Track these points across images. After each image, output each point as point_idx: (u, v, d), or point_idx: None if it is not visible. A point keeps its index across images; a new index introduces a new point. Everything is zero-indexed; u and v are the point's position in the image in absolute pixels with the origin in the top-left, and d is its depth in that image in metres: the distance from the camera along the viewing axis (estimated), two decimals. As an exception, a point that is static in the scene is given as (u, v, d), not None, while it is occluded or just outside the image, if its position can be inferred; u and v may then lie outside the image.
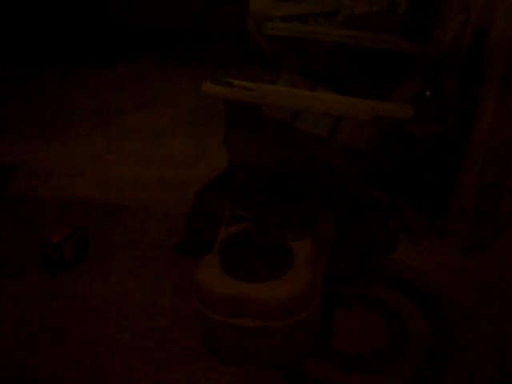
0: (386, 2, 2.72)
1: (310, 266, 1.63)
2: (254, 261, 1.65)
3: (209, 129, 2.91)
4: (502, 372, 1.63)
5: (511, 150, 1.84)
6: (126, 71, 3.73)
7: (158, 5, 4.10)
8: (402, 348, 1.70)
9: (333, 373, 1.63)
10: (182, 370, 1.65)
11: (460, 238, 2.04)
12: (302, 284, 1.58)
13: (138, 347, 1.72)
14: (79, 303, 1.88)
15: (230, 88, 1.72)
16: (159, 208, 2.33)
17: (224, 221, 1.77)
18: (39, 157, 2.75)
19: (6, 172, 2.61)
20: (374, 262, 1.99)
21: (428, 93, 1.92)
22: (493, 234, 2.00)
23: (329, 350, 1.70)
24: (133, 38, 4.05)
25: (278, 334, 1.59)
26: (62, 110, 3.23)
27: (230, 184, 1.89)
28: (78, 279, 1.98)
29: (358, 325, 1.80)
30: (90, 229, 2.19)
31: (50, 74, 3.67)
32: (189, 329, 1.75)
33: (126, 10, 4.12)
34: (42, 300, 1.90)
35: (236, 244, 1.68)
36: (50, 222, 2.25)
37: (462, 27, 1.84)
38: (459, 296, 1.89)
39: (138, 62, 3.87)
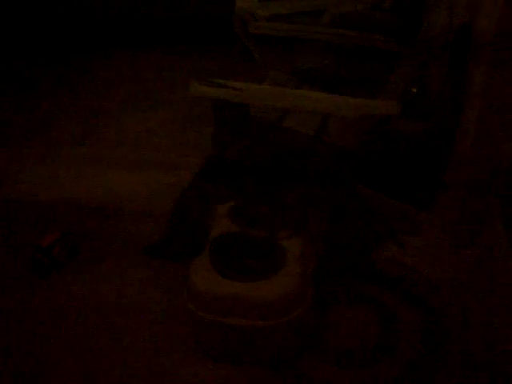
0: (372, 0, 2.73)
1: (300, 265, 1.64)
2: (245, 260, 1.65)
3: (198, 130, 2.91)
4: (494, 365, 1.64)
5: (497, 145, 1.85)
6: (115, 72, 3.71)
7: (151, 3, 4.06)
8: (394, 343, 1.71)
9: (326, 369, 1.64)
10: (176, 370, 1.66)
11: (448, 233, 2.05)
12: (293, 283, 1.59)
13: (131, 349, 1.72)
14: (70, 306, 1.88)
15: (217, 88, 1.72)
16: (150, 210, 2.32)
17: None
18: (27, 160, 2.74)
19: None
20: (364, 259, 2.00)
21: (414, 90, 1.94)
22: (481, 229, 2.01)
23: (322, 347, 1.70)
24: (118, 38, 4.02)
25: (269, 332, 1.59)
26: (49, 111, 3.21)
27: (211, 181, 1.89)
28: (68, 282, 1.97)
29: (351, 321, 1.80)
30: (80, 232, 2.18)
31: (38, 73, 3.65)
32: (182, 329, 1.75)
33: (112, 6, 4.06)
34: (32, 304, 1.89)
35: (227, 244, 1.69)
36: (40, 225, 2.24)
37: (447, 24, 1.85)
38: (450, 291, 1.90)
39: (128, 61, 3.85)
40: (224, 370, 1.65)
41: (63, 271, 2.01)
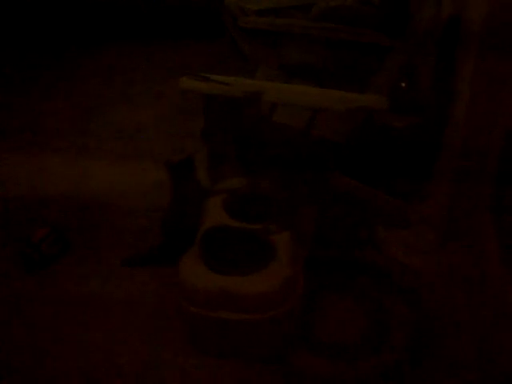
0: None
1: (290, 259, 1.64)
2: (235, 254, 1.66)
3: (188, 124, 2.91)
4: (482, 357, 1.65)
5: (487, 137, 1.86)
6: (100, 67, 3.70)
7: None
8: (384, 336, 1.72)
9: (316, 363, 1.64)
10: (168, 364, 1.66)
11: (437, 226, 2.07)
12: (283, 277, 1.59)
13: (123, 344, 1.72)
14: (61, 302, 1.88)
15: (207, 82, 1.73)
16: (143, 205, 2.32)
17: None
18: (17, 155, 2.73)
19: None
20: (353, 252, 2.01)
21: (403, 84, 1.94)
22: (469, 221, 2.02)
23: (312, 340, 1.71)
24: (105, 33, 4.00)
25: (260, 326, 1.60)
26: (40, 106, 3.20)
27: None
28: (59, 278, 1.97)
29: (341, 314, 1.81)
30: (71, 227, 2.18)
31: (28, 68, 3.63)
32: (174, 323, 1.75)
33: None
34: (22, 299, 1.89)
35: (217, 238, 1.69)
36: (30, 220, 2.23)
37: (436, 17, 1.86)
38: (438, 283, 1.91)
39: (119, 56, 3.84)
40: (215, 363, 1.65)
41: (54, 266, 2.01)
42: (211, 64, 3.47)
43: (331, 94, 1.65)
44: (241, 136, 1.80)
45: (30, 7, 3.94)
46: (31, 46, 3.84)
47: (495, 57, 1.70)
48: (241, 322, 1.59)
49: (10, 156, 2.72)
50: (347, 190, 1.99)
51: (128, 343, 1.72)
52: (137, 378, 1.63)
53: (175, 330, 1.74)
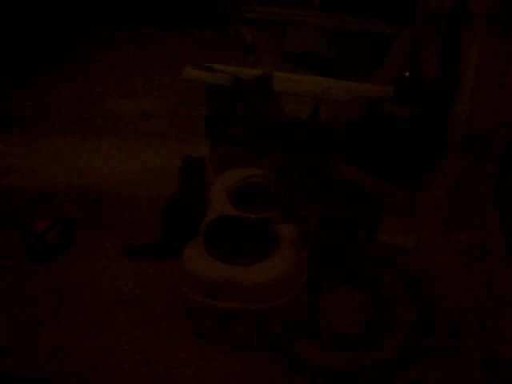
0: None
1: (294, 248, 1.64)
2: (239, 244, 1.65)
3: (191, 114, 2.90)
4: (486, 348, 1.66)
5: (491, 125, 1.85)
6: (101, 56, 3.68)
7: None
8: (387, 325, 1.72)
9: (320, 352, 1.65)
10: (172, 354, 1.66)
11: (441, 216, 2.06)
12: (287, 266, 1.59)
13: (127, 335, 1.72)
14: (65, 294, 1.87)
15: (210, 72, 1.72)
16: (146, 195, 2.31)
17: None
18: (16, 145, 2.72)
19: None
20: (357, 241, 2.01)
21: (407, 73, 1.94)
22: (473, 211, 2.02)
23: (316, 329, 1.71)
24: (107, 22, 3.97)
25: (264, 316, 1.60)
26: (36, 98, 3.19)
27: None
28: (63, 268, 1.97)
29: (344, 303, 1.81)
30: (74, 217, 2.17)
31: (18, 61, 3.61)
32: (178, 314, 1.75)
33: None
34: (27, 290, 1.89)
35: (221, 227, 1.69)
36: (32, 211, 2.23)
37: (440, 4, 1.85)
38: (442, 274, 1.91)
39: (114, 46, 3.82)
40: (219, 353, 1.66)
41: (57, 257, 2.01)
42: (214, 53, 3.46)
43: (335, 84, 1.65)
44: (245, 125, 1.80)
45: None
46: (31, 37, 3.83)
47: (501, 40, 1.69)
48: (245, 312, 1.59)
49: (12, 147, 2.72)
50: (350, 179, 1.99)
51: (132, 334, 1.72)
52: (141, 370, 1.64)
53: (179, 321, 1.74)
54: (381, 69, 1.94)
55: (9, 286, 1.91)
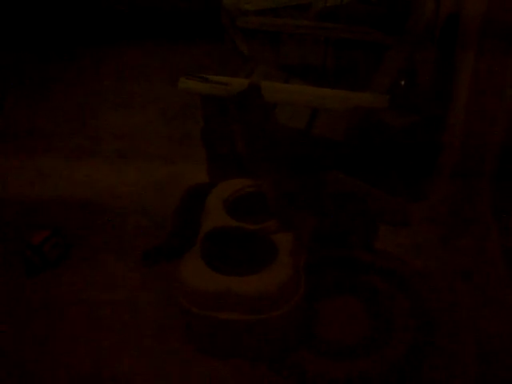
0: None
1: (292, 259, 1.64)
2: (236, 254, 1.65)
3: (186, 125, 2.91)
4: (484, 357, 1.65)
5: (487, 135, 1.86)
6: (100, 68, 3.70)
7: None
8: (386, 334, 1.71)
9: (319, 362, 1.64)
10: (170, 365, 1.65)
11: (438, 224, 2.07)
12: (285, 276, 1.59)
13: (124, 346, 1.72)
14: (62, 304, 1.87)
15: (205, 83, 1.72)
16: (142, 206, 2.32)
17: None
18: (13, 157, 2.72)
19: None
20: (355, 251, 2.01)
21: (402, 82, 1.94)
22: (470, 221, 2.02)
23: (314, 339, 1.71)
24: (105, 34, 3.99)
25: (262, 326, 1.59)
26: (36, 110, 3.20)
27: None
28: (61, 280, 1.97)
29: (342, 313, 1.81)
30: (72, 229, 2.17)
31: (18, 71, 3.62)
32: (175, 324, 1.75)
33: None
34: (23, 301, 1.88)
35: (218, 238, 1.69)
36: (28, 223, 2.23)
37: (435, 15, 1.86)
38: (440, 282, 1.91)
39: (112, 58, 3.84)
40: (217, 364, 1.65)
41: (55, 269, 2.00)
42: (210, 65, 3.47)
43: (331, 94, 1.65)
44: (241, 136, 1.80)
45: (30, 9, 3.94)
46: (29, 47, 3.84)
47: (494, 54, 1.70)
48: (243, 323, 1.58)
49: (9, 159, 2.72)
50: (347, 189, 1.99)
51: (129, 346, 1.72)
52: (138, 381, 1.63)
53: (176, 331, 1.73)
54: (376, 78, 1.94)
55: (6, 299, 1.90)
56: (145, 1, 4.06)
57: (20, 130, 2.98)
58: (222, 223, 1.74)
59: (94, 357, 1.69)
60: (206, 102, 1.86)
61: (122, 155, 2.72)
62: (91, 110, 3.17)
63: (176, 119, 3.02)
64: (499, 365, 1.61)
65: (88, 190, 2.45)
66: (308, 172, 1.79)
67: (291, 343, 1.68)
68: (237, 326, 1.59)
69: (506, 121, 1.82)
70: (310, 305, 1.77)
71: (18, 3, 3.92)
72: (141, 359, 1.67)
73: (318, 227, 1.88)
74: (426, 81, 1.95)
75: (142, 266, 2.00)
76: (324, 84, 1.88)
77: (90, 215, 2.28)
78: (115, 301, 1.87)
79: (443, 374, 1.62)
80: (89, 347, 1.72)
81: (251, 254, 1.64)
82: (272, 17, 3.18)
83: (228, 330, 1.61)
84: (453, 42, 1.81)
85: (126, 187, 2.46)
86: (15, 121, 3.08)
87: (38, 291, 1.93)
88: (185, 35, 3.86)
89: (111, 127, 2.99)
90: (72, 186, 2.48)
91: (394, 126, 1.95)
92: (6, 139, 2.89)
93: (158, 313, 1.82)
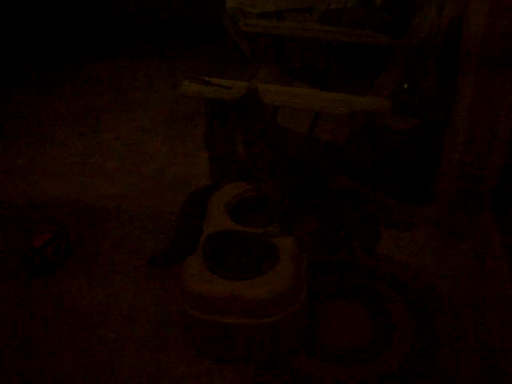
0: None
1: (294, 263, 1.63)
2: (238, 259, 1.65)
3: (188, 129, 2.91)
4: (487, 361, 1.65)
5: (488, 140, 1.85)
6: (103, 72, 3.71)
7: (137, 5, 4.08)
8: (388, 339, 1.71)
9: (320, 366, 1.64)
10: (172, 370, 1.65)
11: (440, 228, 2.06)
12: (287, 281, 1.58)
13: (126, 350, 1.71)
14: (63, 307, 1.87)
15: (208, 86, 1.72)
16: (143, 210, 2.32)
17: None
18: (17, 160, 2.73)
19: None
20: (357, 255, 2.00)
21: (405, 86, 1.94)
22: (473, 224, 2.02)
23: (316, 343, 1.70)
24: (109, 38, 4.02)
25: (264, 330, 1.59)
26: (37, 112, 3.20)
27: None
28: (61, 283, 1.97)
29: (344, 318, 1.81)
30: (72, 232, 2.17)
31: (23, 75, 3.63)
32: (176, 328, 1.74)
33: (102, 10, 4.08)
34: (24, 304, 1.88)
35: (220, 242, 1.68)
36: (32, 226, 2.23)
37: (438, 20, 1.86)
38: (442, 286, 1.90)
39: (115, 62, 3.85)
40: (219, 368, 1.65)
41: (56, 272, 2.00)
42: (212, 67, 3.48)
43: (334, 97, 1.64)
44: (243, 138, 1.80)
45: (38, 12, 3.96)
46: (35, 51, 3.86)
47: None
48: (245, 327, 1.58)
49: (10, 161, 2.72)
50: (349, 193, 1.98)
51: (131, 349, 1.72)
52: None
53: (178, 335, 1.73)
54: (379, 82, 1.94)
55: (7, 302, 1.90)
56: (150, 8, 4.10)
57: (23, 132, 2.99)
58: (224, 227, 1.74)
59: (93, 362, 1.68)
60: (209, 105, 1.85)
61: (125, 158, 2.72)
62: (94, 112, 3.18)
63: (178, 122, 3.03)
64: (503, 368, 1.60)
65: (90, 192, 2.46)
66: (310, 176, 1.79)
67: (293, 347, 1.68)
68: (239, 330, 1.58)
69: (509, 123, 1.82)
70: (312, 309, 1.76)
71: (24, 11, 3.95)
72: (141, 365, 1.67)
73: (320, 231, 1.88)
74: (429, 86, 1.95)
75: (150, 269, 2.00)
76: (327, 87, 1.87)
77: (92, 218, 2.28)
78: (116, 304, 1.87)
79: (445, 378, 1.61)
80: (87, 352, 1.71)
81: (253, 258, 1.64)
82: (275, 20, 3.18)
83: (230, 333, 1.60)
84: (456, 46, 1.81)
85: (129, 190, 2.46)
86: (18, 122, 3.09)
87: (39, 294, 1.92)
88: (188, 38, 3.88)
89: (113, 129, 2.99)
90: (73, 188, 2.49)
91: (396, 129, 1.94)
92: (8, 141, 2.90)
93: (160, 316, 1.81)
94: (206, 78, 1.74)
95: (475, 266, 1.97)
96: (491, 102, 1.77)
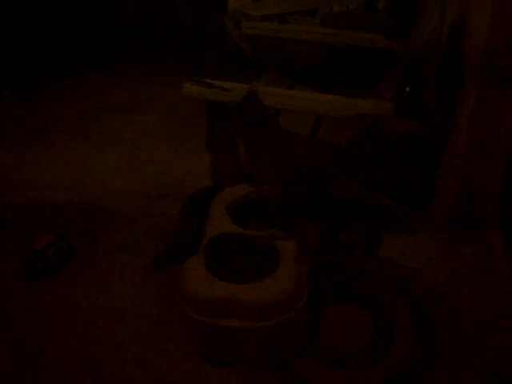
0: (365, 0, 2.73)
1: (295, 266, 1.63)
2: (239, 262, 1.65)
3: (190, 130, 2.91)
4: (487, 366, 1.64)
5: (490, 146, 1.85)
6: (105, 78, 3.71)
7: (139, 11, 4.09)
8: (388, 343, 1.70)
9: (321, 370, 1.63)
10: (173, 372, 1.65)
11: (443, 233, 2.06)
12: (288, 284, 1.58)
13: (126, 352, 1.71)
14: (65, 309, 1.87)
15: (210, 89, 1.72)
16: (144, 211, 2.32)
17: None
18: (19, 163, 2.73)
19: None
20: (359, 258, 2.00)
21: (407, 89, 1.94)
22: (476, 229, 2.01)
23: (317, 347, 1.70)
24: (111, 45, 4.02)
25: (265, 333, 1.59)
26: (41, 116, 3.21)
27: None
28: (63, 285, 1.96)
29: (345, 321, 1.80)
30: (73, 235, 2.17)
31: (27, 80, 3.63)
32: (177, 331, 1.74)
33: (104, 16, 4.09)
34: (26, 306, 1.88)
35: (221, 245, 1.68)
36: (33, 228, 2.23)
37: (439, 24, 1.86)
38: (444, 290, 1.90)
39: (116, 68, 3.85)
40: (220, 371, 1.64)
41: (58, 274, 2.00)
42: (214, 70, 3.48)
43: (336, 100, 1.64)
44: (244, 141, 1.80)
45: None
46: (35, 55, 3.86)
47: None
48: (246, 330, 1.57)
49: (11, 163, 2.72)
50: (351, 196, 1.98)
51: (132, 352, 1.71)
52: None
53: (179, 338, 1.73)
54: (381, 84, 1.94)
55: (7, 304, 1.90)
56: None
57: (23, 135, 2.99)
58: (226, 229, 1.74)
59: (92, 365, 1.68)
60: (211, 107, 1.85)
61: (126, 162, 2.72)
62: (94, 114, 3.19)
63: (180, 124, 3.03)
64: (503, 371, 1.60)
65: (90, 193, 2.46)
66: (312, 178, 1.78)
67: (293, 350, 1.68)
68: (240, 332, 1.58)
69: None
70: (313, 312, 1.76)
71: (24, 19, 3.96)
72: (142, 367, 1.67)
73: (322, 234, 1.88)
74: (431, 87, 1.95)
75: (153, 269, 2.00)
76: (329, 90, 1.87)
77: (92, 219, 2.28)
78: (116, 307, 1.87)
79: (446, 381, 1.61)
80: (87, 355, 1.71)
81: (254, 261, 1.64)
82: (277, 22, 3.19)
83: (231, 336, 1.60)
84: (457, 51, 1.81)
85: (129, 191, 2.46)
86: (18, 125, 3.09)
87: (39, 296, 1.92)
88: (189, 39, 3.89)
89: (115, 133, 2.99)
90: (74, 189, 2.49)
91: (399, 133, 1.94)
92: (9, 143, 2.90)
93: (161, 319, 1.81)
94: (208, 80, 1.74)
95: (476, 269, 1.96)
96: (493, 113, 1.77)
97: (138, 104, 3.31)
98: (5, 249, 2.12)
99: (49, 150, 2.84)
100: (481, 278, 1.92)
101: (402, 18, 2.17)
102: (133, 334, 1.77)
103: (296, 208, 1.78)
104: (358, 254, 1.99)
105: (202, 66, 3.61)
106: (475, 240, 2.01)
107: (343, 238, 1.95)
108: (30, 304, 1.89)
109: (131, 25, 4.10)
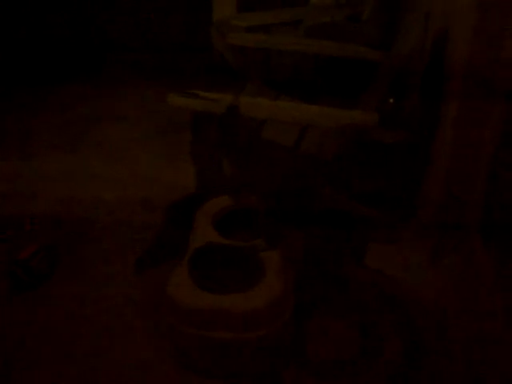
0: (349, 11, 2.75)
1: (281, 277, 1.63)
2: (224, 272, 1.64)
3: (179, 142, 2.90)
4: (474, 376, 1.65)
5: (473, 155, 1.86)
6: (90, 87, 3.71)
7: (126, 20, 4.10)
8: (376, 354, 1.71)
9: (308, 381, 1.63)
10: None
11: (427, 241, 2.06)
12: (273, 295, 1.58)
13: (115, 364, 1.70)
14: (50, 320, 1.85)
15: (195, 99, 1.72)
16: (130, 221, 2.31)
17: None
18: (2, 174, 2.71)
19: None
20: (344, 268, 2.00)
21: (391, 100, 1.95)
22: (460, 237, 2.02)
23: (303, 358, 1.70)
24: (100, 54, 4.02)
25: (251, 345, 1.58)
26: (26, 127, 3.20)
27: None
28: (49, 295, 1.95)
29: (332, 332, 1.80)
30: (61, 242, 2.16)
31: (14, 90, 3.63)
32: (166, 343, 1.73)
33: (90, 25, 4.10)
34: (11, 318, 1.86)
35: (206, 255, 1.68)
36: (17, 239, 2.21)
37: (423, 35, 1.87)
38: (430, 300, 1.91)
39: (102, 76, 3.85)
40: (206, 383, 1.64)
41: (44, 285, 1.99)
42: (201, 80, 3.49)
43: (321, 111, 1.65)
44: (226, 152, 1.80)
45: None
46: (23, 65, 3.86)
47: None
48: (231, 341, 1.57)
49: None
50: (337, 206, 1.98)
51: (119, 363, 1.70)
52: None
53: (167, 350, 1.72)
54: (366, 95, 1.95)
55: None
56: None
57: (10, 146, 2.98)
58: (211, 240, 1.74)
59: (82, 375, 1.66)
60: (195, 117, 1.86)
61: (112, 171, 2.72)
62: (82, 126, 3.19)
63: (166, 134, 3.04)
64: (488, 380, 1.61)
65: (77, 204, 2.45)
66: (297, 189, 1.79)
67: (280, 362, 1.67)
68: (225, 344, 1.58)
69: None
70: (300, 323, 1.76)
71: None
72: (130, 378, 1.65)
73: (307, 244, 1.88)
74: (415, 98, 1.96)
75: (135, 272, 2.00)
76: (314, 101, 1.88)
77: (81, 228, 2.28)
78: (101, 318, 1.85)
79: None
80: (77, 365, 1.69)
81: (239, 271, 1.63)
82: (263, 33, 3.19)
83: (216, 348, 1.59)
84: (441, 62, 1.82)
85: (115, 202, 2.46)
86: (5, 136, 3.08)
87: (26, 307, 1.91)
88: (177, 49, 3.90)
89: (101, 143, 3.00)
90: (60, 200, 2.48)
91: (383, 143, 1.95)
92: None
93: (150, 331, 1.80)
94: (194, 91, 1.74)
95: (462, 278, 1.97)
96: (475, 123, 1.79)
97: (127, 113, 3.31)
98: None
99: (36, 161, 2.83)
100: (466, 286, 1.92)
101: (387, 29, 2.18)
102: (121, 347, 1.75)
103: (281, 218, 1.78)
104: (343, 265, 2.00)
105: (190, 75, 3.62)
106: (460, 248, 2.02)
107: (329, 248, 1.95)
108: (16, 315, 1.88)
109: (122, 34, 4.12)
